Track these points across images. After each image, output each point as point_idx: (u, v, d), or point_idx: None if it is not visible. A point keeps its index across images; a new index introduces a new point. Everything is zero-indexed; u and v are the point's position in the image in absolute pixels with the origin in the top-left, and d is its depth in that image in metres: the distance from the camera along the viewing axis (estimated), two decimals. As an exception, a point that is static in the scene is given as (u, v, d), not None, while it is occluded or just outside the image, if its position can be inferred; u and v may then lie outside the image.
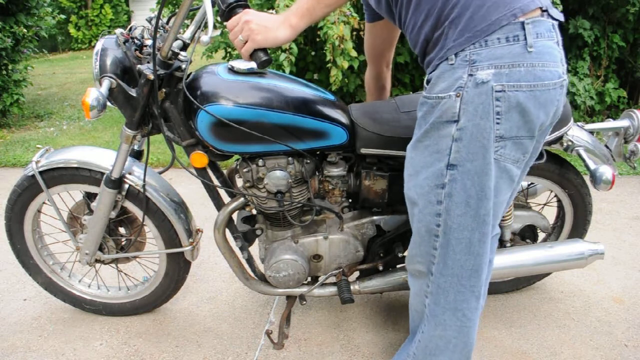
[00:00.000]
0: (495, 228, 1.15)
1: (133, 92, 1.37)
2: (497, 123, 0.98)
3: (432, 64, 1.06)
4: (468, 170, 1.02)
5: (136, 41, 1.43)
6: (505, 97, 0.96)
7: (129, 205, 1.60)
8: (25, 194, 1.61)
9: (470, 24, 0.96)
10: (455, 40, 0.99)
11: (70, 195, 1.70)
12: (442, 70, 1.02)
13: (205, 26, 1.25)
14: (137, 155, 1.63)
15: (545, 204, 1.85)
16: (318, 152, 1.48)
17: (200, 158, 1.40)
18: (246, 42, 1.10)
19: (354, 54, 3.26)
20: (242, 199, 1.49)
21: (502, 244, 1.68)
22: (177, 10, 1.25)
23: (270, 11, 3.47)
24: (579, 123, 1.61)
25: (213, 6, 1.15)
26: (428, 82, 1.07)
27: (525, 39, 0.95)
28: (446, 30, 1.00)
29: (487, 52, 0.96)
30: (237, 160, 1.48)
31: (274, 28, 1.08)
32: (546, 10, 0.99)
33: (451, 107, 1.00)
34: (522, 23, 0.95)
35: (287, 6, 3.11)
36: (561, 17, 1.04)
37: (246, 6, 1.13)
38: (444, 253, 1.12)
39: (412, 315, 1.32)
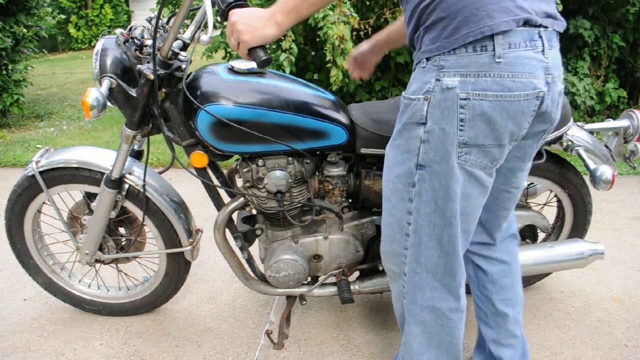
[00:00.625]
0: (470, 232, 1.15)
1: (133, 92, 1.37)
2: (461, 130, 0.99)
3: (413, 63, 1.08)
4: (435, 171, 1.04)
5: (136, 41, 1.43)
6: (469, 105, 0.97)
7: (129, 205, 1.60)
8: (25, 194, 1.61)
9: (442, 34, 0.97)
10: (427, 46, 1.00)
11: (70, 195, 1.70)
12: (416, 72, 1.04)
13: (205, 26, 1.25)
14: (137, 155, 1.63)
15: (545, 204, 1.85)
16: (318, 152, 1.48)
17: (200, 158, 1.40)
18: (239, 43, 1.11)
19: (354, 54, 3.26)
20: (242, 199, 1.49)
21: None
22: (177, 10, 1.25)
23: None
24: (578, 123, 1.61)
25: (213, 6, 1.15)
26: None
27: (494, 49, 0.94)
28: (422, 34, 1.02)
29: (454, 60, 0.97)
30: (237, 160, 1.48)
31: (260, 26, 1.07)
32: (527, 22, 0.96)
33: (419, 110, 1.02)
34: (492, 35, 0.94)
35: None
36: (558, 27, 1.02)
37: (245, 6, 1.13)
38: (416, 252, 1.14)
39: (398, 319, 1.33)
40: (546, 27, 0.99)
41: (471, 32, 0.94)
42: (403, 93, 1.08)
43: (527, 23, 0.96)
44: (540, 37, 0.97)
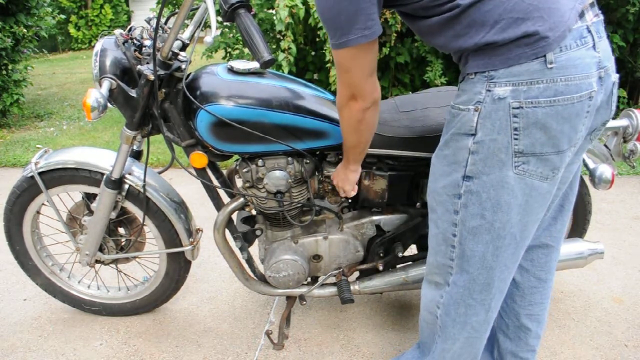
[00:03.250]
0: (524, 245, 1.12)
1: (133, 93, 1.37)
2: (515, 139, 0.97)
3: (461, 71, 1.07)
4: (484, 182, 1.02)
5: (135, 42, 1.43)
6: (522, 114, 0.95)
7: (129, 205, 1.60)
8: (24, 195, 1.61)
9: (492, 56, 0.97)
10: (477, 62, 0.99)
11: (69, 196, 1.70)
12: (465, 83, 1.03)
13: (205, 26, 1.25)
14: (137, 155, 1.63)
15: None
16: (317, 152, 1.48)
17: (199, 158, 1.40)
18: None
19: (353, 54, 3.25)
20: (241, 199, 1.49)
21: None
22: (177, 10, 1.25)
23: (270, 11, 3.48)
24: (578, 123, 1.60)
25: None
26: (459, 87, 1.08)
27: (545, 56, 0.93)
28: (469, 51, 1.01)
29: (505, 70, 0.95)
30: (237, 160, 1.48)
31: (345, 180, 1.37)
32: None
33: (469, 121, 1.01)
34: None
35: (287, 6, 3.11)
36: (600, 14, 1.00)
37: (248, 7, 1.13)
38: (460, 264, 1.12)
39: (422, 326, 1.32)
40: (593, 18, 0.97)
41: (524, 53, 0.93)
42: (452, 102, 1.07)
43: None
44: (589, 31, 0.95)
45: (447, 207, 1.10)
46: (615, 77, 1.03)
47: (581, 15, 0.95)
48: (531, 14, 0.92)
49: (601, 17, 1.01)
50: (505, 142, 0.98)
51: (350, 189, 1.38)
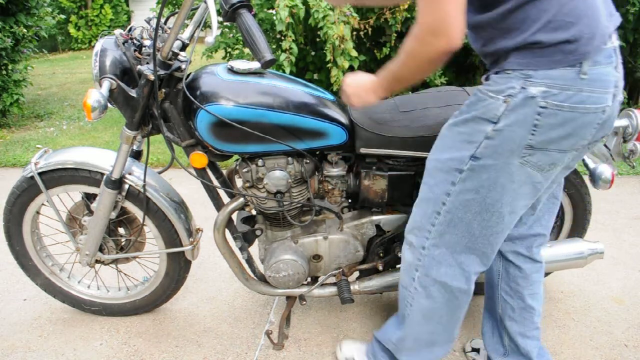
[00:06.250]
0: (508, 228, 1.20)
1: (133, 93, 1.37)
2: (532, 134, 1.04)
3: (492, 66, 1.12)
4: (488, 165, 1.10)
5: (135, 42, 1.43)
6: (545, 113, 1.02)
7: (129, 205, 1.60)
8: (24, 196, 1.61)
9: (535, 53, 1.01)
10: (518, 60, 1.03)
11: (69, 196, 1.70)
12: (501, 76, 1.07)
13: (205, 26, 1.25)
14: (137, 155, 1.63)
15: (545, 204, 1.85)
16: (318, 152, 1.48)
17: (199, 158, 1.40)
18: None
19: (354, 53, 3.26)
20: (241, 199, 1.49)
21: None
22: (177, 10, 1.25)
23: (271, 11, 3.48)
24: (578, 123, 1.60)
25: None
26: (487, 78, 1.13)
27: (581, 66, 0.99)
28: (509, 50, 1.04)
29: (543, 72, 1.01)
30: (237, 160, 1.48)
31: (364, 95, 1.25)
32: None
33: (495, 109, 1.06)
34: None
35: (287, 6, 3.11)
36: (617, 42, 1.08)
37: (249, 7, 1.14)
38: (443, 230, 1.20)
39: (401, 293, 1.38)
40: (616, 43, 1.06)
41: (565, 59, 0.99)
42: (481, 87, 1.11)
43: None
44: (615, 52, 1.05)
45: (446, 177, 1.16)
46: (621, 97, 1.10)
47: (610, 36, 1.04)
48: (581, 21, 0.98)
49: (618, 42, 1.09)
50: (522, 135, 1.05)
51: (356, 102, 1.27)
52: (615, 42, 1.06)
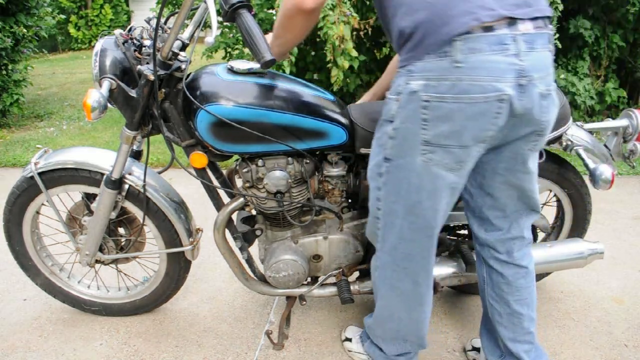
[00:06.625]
0: (436, 226, 1.21)
1: (133, 93, 1.37)
2: (424, 129, 1.07)
3: None
4: (399, 165, 1.15)
5: (135, 42, 1.43)
6: (431, 107, 1.05)
7: (129, 205, 1.60)
8: (23, 196, 1.61)
9: (411, 46, 1.06)
10: (402, 56, 1.10)
11: (69, 196, 1.70)
12: (396, 76, 1.14)
13: (205, 26, 1.25)
14: (136, 155, 1.63)
15: (544, 204, 1.85)
16: (318, 152, 1.48)
17: (199, 158, 1.40)
18: None
19: (354, 53, 3.26)
20: (241, 200, 1.49)
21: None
22: (177, 10, 1.25)
23: (271, 11, 3.48)
24: (577, 122, 1.61)
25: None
26: None
27: (449, 54, 1.00)
28: (399, 46, 1.11)
29: (421, 65, 1.04)
30: (237, 160, 1.48)
31: None
32: (490, 27, 0.99)
33: (391, 109, 1.13)
34: (452, 41, 1.00)
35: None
36: (544, 29, 1.04)
37: (249, 7, 1.14)
38: (384, 235, 1.28)
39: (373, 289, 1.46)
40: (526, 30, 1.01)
41: (432, 42, 1.01)
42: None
43: (493, 25, 0.99)
44: (515, 40, 1.00)
45: (374, 183, 1.25)
46: (545, 89, 1.06)
47: (512, 24, 1.00)
48: (431, 7, 1.01)
49: (549, 31, 1.06)
50: (415, 131, 1.09)
51: None
52: (528, 29, 1.01)
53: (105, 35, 1.45)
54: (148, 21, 1.49)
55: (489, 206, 1.30)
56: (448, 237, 1.72)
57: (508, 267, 1.36)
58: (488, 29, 0.99)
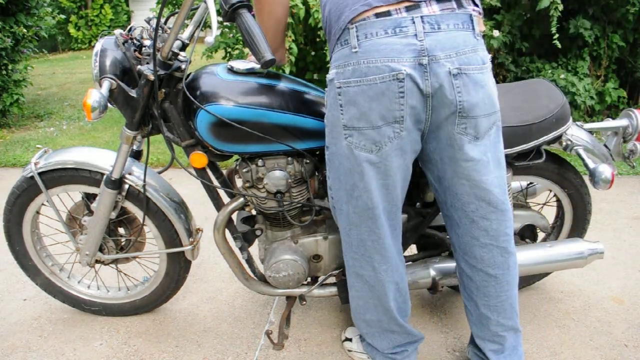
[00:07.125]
0: (379, 214, 1.22)
1: (133, 93, 1.37)
2: (341, 113, 1.14)
3: None
4: (333, 151, 1.22)
5: (135, 42, 1.43)
6: (342, 92, 1.12)
7: (129, 205, 1.60)
8: (23, 196, 1.61)
9: (328, 38, 1.18)
10: (330, 48, 1.19)
11: (69, 196, 1.70)
12: None
13: (205, 26, 1.25)
14: (136, 155, 1.63)
15: (544, 204, 1.85)
16: (317, 152, 1.48)
17: (199, 158, 1.40)
18: None
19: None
20: (241, 199, 1.49)
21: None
22: (177, 10, 1.25)
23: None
24: (577, 122, 1.61)
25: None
26: None
27: (348, 42, 1.09)
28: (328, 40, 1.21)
29: (334, 55, 1.14)
30: (237, 160, 1.48)
31: None
32: (386, 12, 1.05)
33: (325, 99, 1.22)
34: (347, 28, 1.08)
35: (287, 6, 3.10)
36: (444, 11, 1.06)
37: (249, 7, 1.14)
38: (339, 222, 1.32)
39: None
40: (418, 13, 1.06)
41: (335, 32, 1.12)
42: None
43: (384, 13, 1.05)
44: (414, 22, 1.05)
45: (326, 174, 1.30)
46: (456, 68, 1.06)
47: (412, 7, 1.06)
48: (328, 1, 1.14)
49: (467, 12, 1.08)
50: (336, 116, 1.16)
51: None
52: (433, 11, 1.05)
53: (105, 35, 1.45)
54: (148, 21, 1.49)
55: (451, 204, 1.26)
56: (448, 237, 1.72)
57: (476, 271, 1.33)
58: (384, 14, 1.06)
